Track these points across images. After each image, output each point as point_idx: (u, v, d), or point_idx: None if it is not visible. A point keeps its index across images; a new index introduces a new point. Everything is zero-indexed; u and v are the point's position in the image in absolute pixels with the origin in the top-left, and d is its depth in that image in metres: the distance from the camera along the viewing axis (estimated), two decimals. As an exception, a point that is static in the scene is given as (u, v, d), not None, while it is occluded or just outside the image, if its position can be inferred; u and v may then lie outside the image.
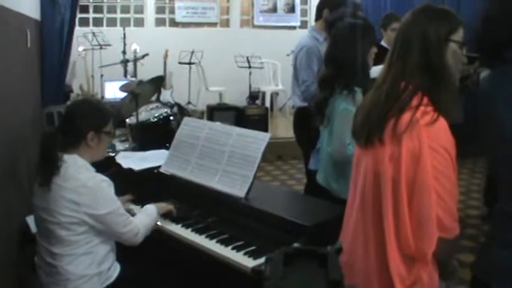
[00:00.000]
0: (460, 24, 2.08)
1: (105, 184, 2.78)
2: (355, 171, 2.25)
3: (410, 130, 1.95)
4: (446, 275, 2.14)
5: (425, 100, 1.99)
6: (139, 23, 11.54)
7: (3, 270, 3.39)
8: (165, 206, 3.24)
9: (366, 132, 2.10)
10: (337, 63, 3.33)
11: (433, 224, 1.94)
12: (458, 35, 2.07)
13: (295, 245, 2.60)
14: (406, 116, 1.97)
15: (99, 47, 9.82)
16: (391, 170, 1.99)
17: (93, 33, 9.88)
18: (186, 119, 3.73)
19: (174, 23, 11.59)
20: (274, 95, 11.12)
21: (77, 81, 9.64)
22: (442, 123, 1.96)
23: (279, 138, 8.68)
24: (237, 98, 10.46)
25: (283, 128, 9.70)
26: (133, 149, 4.45)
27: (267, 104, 10.54)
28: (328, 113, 3.33)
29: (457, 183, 1.99)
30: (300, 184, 7.22)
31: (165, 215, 3.23)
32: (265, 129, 9.00)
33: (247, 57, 10.00)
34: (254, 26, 12.06)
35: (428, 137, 1.92)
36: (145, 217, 3.05)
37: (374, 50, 3.39)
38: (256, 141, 3.20)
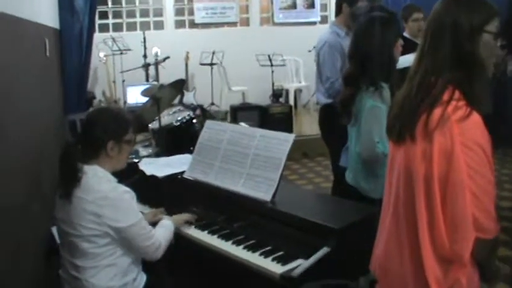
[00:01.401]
0: (495, 13, 1.96)
1: (127, 196, 2.71)
2: (389, 169, 2.15)
3: (442, 126, 1.85)
4: (489, 277, 2.03)
5: (456, 94, 1.89)
6: (159, 26, 11.50)
7: (30, 282, 3.35)
8: (181, 218, 3.17)
9: (398, 127, 2.01)
10: (361, 59, 3.23)
11: (469, 225, 1.84)
12: (493, 25, 1.95)
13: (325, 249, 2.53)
14: (437, 112, 1.87)
15: (119, 52, 9.80)
16: (423, 169, 1.89)
17: (113, 38, 9.86)
18: (208, 122, 3.66)
19: (193, 25, 11.53)
20: (298, 91, 11.02)
21: (99, 88, 9.67)
22: (475, 118, 1.86)
23: (304, 136, 8.60)
24: (260, 96, 10.38)
25: (308, 124, 9.61)
26: (157, 154, 4.39)
27: (291, 101, 10.46)
28: (355, 110, 3.23)
29: (493, 181, 1.88)
30: (327, 181, 7.12)
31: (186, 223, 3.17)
32: (290, 127, 8.95)
33: (269, 55, 9.91)
34: (274, 24, 11.96)
35: (460, 133, 1.82)
36: (164, 230, 2.96)
37: (400, 42, 3.28)
38: (281, 142, 3.12)
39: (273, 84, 10.07)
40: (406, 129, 1.96)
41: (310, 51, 9.85)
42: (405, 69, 3.54)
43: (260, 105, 9.43)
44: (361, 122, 3.19)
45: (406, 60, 3.61)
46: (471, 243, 1.86)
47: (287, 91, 10.76)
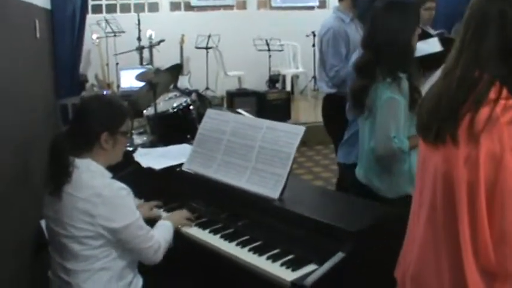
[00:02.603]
0: None
1: (123, 192, 2.46)
2: (420, 173, 1.91)
3: (490, 129, 1.61)
4: None
5: (504, 92, 1.66)
6: (154, 8, 11.26)
7: (12, 283, 3.11)
8: (180, 216, 2.92)
9: (435, 127, 1.77)
10: (378, 47, 2.97)
11: None
12: None
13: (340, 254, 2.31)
14: (484, 112, 1.64)
15: (113, 34, 9.55)
16: (466, 174, 1.66)
17: (106, 20, 9.61)
18: (209, 111, 3.41)
19: (189, 7, 11.30)
20: (295, 77, 10.81)
21: (92, 71, 9.40)
22: None
23: (303, 123, 8.36)
24: (256, 82, 10.18)
25: (305, 112, 9.44)
26: (152, 142, 4.16)
27: (288, 87, 10.23)
28: (369, 103, 2.99)
29: None
30: (326, 171, 6.95)
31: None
32: (288, 114, 8.77)
33: (266, 40, 9.68)
34: (272, 8, 11.72)
35: (510, 137, 1.60)
36: (164, 230, 2.73)
37: (418, 31, 3.04)
38: (289, 135, 2.87)
39: (269, 69, 9.85)
40: (447, 130, 1.72)
41: (308, 36, 9.67)
42: (420, 58, 3.33)
43: (257, 91, 9.19)
44: (376, 115, 2.96)
45: (420, 49, 3.39)
46: None
47: (284, 77, 10.54)
